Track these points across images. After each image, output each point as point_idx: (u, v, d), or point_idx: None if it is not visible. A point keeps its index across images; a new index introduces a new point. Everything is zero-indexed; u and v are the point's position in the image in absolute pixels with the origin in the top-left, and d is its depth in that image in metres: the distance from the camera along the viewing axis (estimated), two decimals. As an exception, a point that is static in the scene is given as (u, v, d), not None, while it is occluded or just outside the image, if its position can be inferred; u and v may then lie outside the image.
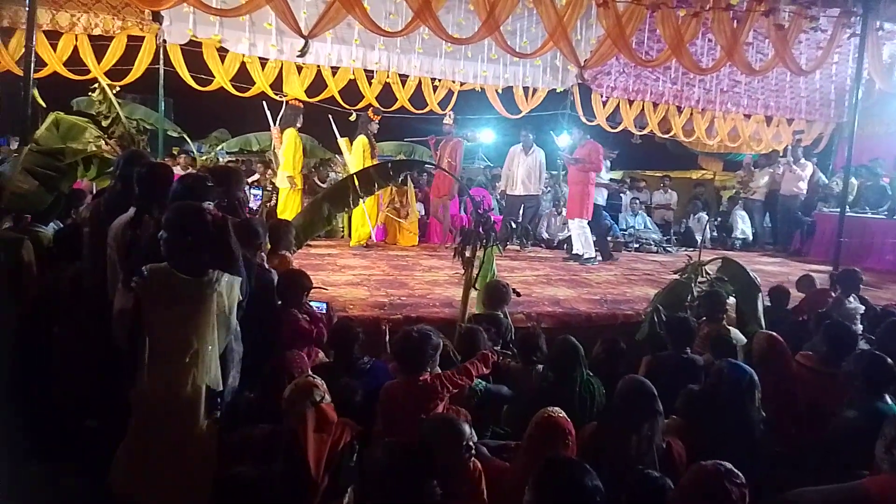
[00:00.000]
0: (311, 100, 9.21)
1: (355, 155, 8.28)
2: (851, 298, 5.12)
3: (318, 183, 10.14)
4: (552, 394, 3.27)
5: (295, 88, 9.05)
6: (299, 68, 9.12)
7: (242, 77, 8.95)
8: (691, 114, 10.92)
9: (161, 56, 8.37)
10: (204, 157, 11.34)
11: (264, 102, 8.63)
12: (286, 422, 2.72)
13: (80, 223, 4.20)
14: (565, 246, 9.25)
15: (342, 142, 8.73)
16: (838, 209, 8.31)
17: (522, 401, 3.46)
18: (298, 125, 8.13)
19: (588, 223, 8.22)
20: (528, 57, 8.33)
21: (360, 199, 5.17)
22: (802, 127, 11.27)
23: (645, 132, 11.06)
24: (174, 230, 2.71)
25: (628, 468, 2.47)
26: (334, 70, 9.26)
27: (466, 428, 2.49)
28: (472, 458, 2.55)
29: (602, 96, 10.45)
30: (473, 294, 4.62)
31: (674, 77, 10.32)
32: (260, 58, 8.73)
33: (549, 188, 11.55)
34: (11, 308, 3.45)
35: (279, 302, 3.65)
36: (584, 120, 10.44)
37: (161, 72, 8.52)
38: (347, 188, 4.97)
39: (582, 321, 5.28)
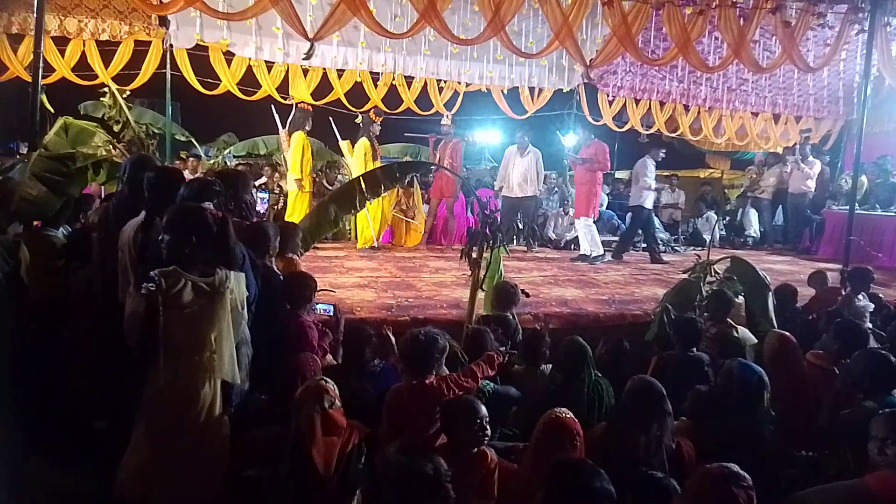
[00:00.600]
0: (317, 102, 9.23)
1: (357, 157, 8.31)
2: (861, 296, 5.08)
3: (326, 185, 10.17)
4: (560, 395, 3.26)
5: (301, 91, 9.08)
6: (305, 71, 9.16)
7: (249, 80, 8.99)
8: (698, 112, 10.87)
9: (168, 60, 8.42)
10: (211, 161, 11.40)
11: (272, 106, 8.67)
12: (294, 424, 2.73)
13: (89, 227, 4.23)
14: (573, 247, 9.24)
15: (344, 144, 8.75)
16: (847, 207, 8.26)
17: (530, 402, 3.45)
18: (307, 128, 8.16)
19: (635, 224, 8.16)
20: (533, 57, 8.32)
21: (367, 201, 5.18)
22: (810, 125, 11.20)
23: (652, 131, 11.02)
24: (176, 232, 2.73)
25: (637, 469, 2.46)
26: (340, 72, 9.28)
27: (483, 408, 2.60)
28: (488, 450, 2.60)
29: (608, 96, 10.43)
30: (481, 295, 4.62)
31: (680, 76, 10.28)
32: (266, 61, 8.76)
33: (555, 189, 11.54)
34: (11, 311, 3.47)
35: (288, 305, 3.65)
36: (590, 119, 10.43)
37: (168, 76, 8.58)
38: (354, 190, 4.99)
39: (590, 322, 5.27)
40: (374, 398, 3.10)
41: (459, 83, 9.86)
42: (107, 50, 8.23)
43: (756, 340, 4.30)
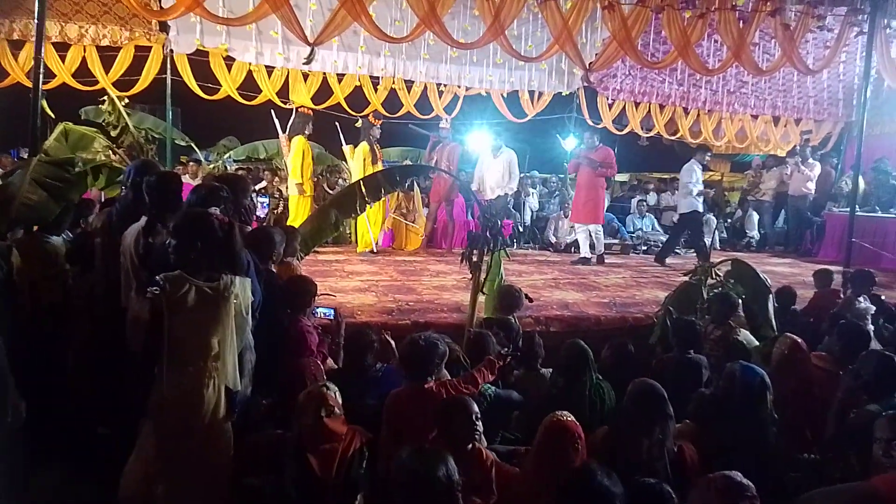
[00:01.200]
0: (317, 107, 9.24)
1: (357, 162, 8.32)
2: (862, 298, 5.07)
3: (328, 190, 10.18)
4: (562, 398, 3.26)
5: (301, 96, 9.09)
6: (305, 76, 9.17)
7: (249, 85, 9.00)
8: (698, 115, 10.88)
9: (168, 66, 8.44)
10: (212, 166, 11.41)
11: (272, 111, 8.67)
12: (295, 429, 2.73)
13: (91, 233, 4.22)
14: (573, 250, 9.24)
15: (347, 149, 8.76)
16: (848, 209, 8.25)
17: (532, 406, 3.44)
18: (307, 133, 8.15)
19: (694, 229, 8.21)
20: (533, 61, 8.33)
21: (368, 205, 5.18)
22: (811, 127, 11.21)
23: (652, 134, 11.03)
24: (183, 236, 2.73)
25: (640, 472, 2.44)
26: (340, 77, 9.30)
27: (475, 405, 2.67)
28: (483, 448, 2.62)
29: (608, 99, 10.44)
30: (481, 298, 4.61)
31: (680, 78, 10.29)
32: (266, 66, 8.78)
33: (556, 192, 11.55)
34: (6, 315, 3.47)
35: (287, 310, 3.65)
36: (590, 122, 10.43)
37: (168, 81, 8.59)
38: (355, 194, 4.99)
39: (591, 325, 5.26)
40: (375, 402, 3.09)
41: (459, 87, 9.86)
42: (107, 55, 8.25)
43: (757, 343, 4.29)
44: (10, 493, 2.83)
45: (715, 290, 4.89)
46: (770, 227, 10.97)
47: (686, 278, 5.27)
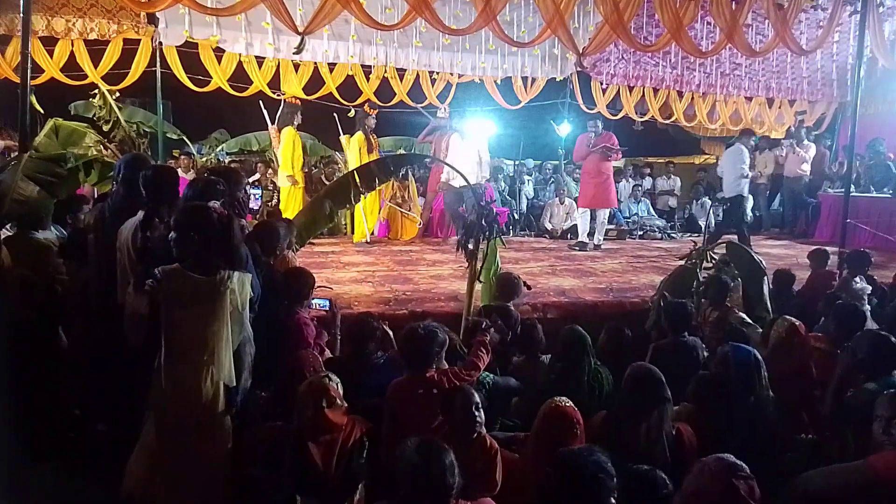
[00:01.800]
0: (309, 97, 9.18)
1: (352, 151, 8.27)
2: (858, 279, 5.08)
3: (325, 181, 10.13)
4: (560, 384, 3.26)
5: (293, 86, 9.03)
6: (297, 66, 9.09)
7: (240, 77, 8.93)
8: (692, 98, 10.85)
9: (158, 58, 8.36)
10: (204, 159, 11.34)
11: (260, 101, 8.62)
12: (295, 420, 2.73)
13: (84, 228, 4.20)
14: (569, 236, 9.24)
15: (344, 139, 8.72)
16: (843, 190, 8.25)
17: (530, 392, 3.45)
18: (297, 123, 8.10)
19: (734, 214, 8.09)
20: (526, 46, 8.27)
21: (362, 195, 5.16)
22: (805, 108, 11.20)
23: (646, 118, 11.00)
24: (181, 230, 2.72)
25: (639, 456, 2.45)
26: (332, 66, 9.22)
27: (476, 394, 2.67)
28: (488, 436, 2.63)
29: (602, 84, 10.39)
30: (478, 287, 4.61)
31: (674, 62, 10.25)
32: (257, 57, 8.70)
33: (551, 179, 11.52)
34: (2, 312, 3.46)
35: (285, 301, 3.64)
36: (584, 108, 10.40)
37: (158, 74, 8.51)
38: (349, 184, 4.96)
39: (588, 311, 5.27)
40: (376, 391, 3.09)
41: (452, 74, 9.81)
42: (96, 49, 8.16)
43: (751, 323, 4.30)
44: (9, 491, 2.82)
45: (710, 273, 4.91)
46: (765, 209, 10.97)
47: (682, 262, 5.27)
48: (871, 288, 5.10)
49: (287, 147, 7.92)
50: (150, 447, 2.75)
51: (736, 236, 7.70)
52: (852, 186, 7.76)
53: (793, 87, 10.82)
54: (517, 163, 12.52)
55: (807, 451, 3.03)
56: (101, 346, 3.30)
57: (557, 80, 10.25)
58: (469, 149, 8.15)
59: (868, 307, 4.72)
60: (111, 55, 8.18)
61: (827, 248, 6.08)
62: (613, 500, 1.99)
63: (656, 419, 2.67)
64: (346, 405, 2.77)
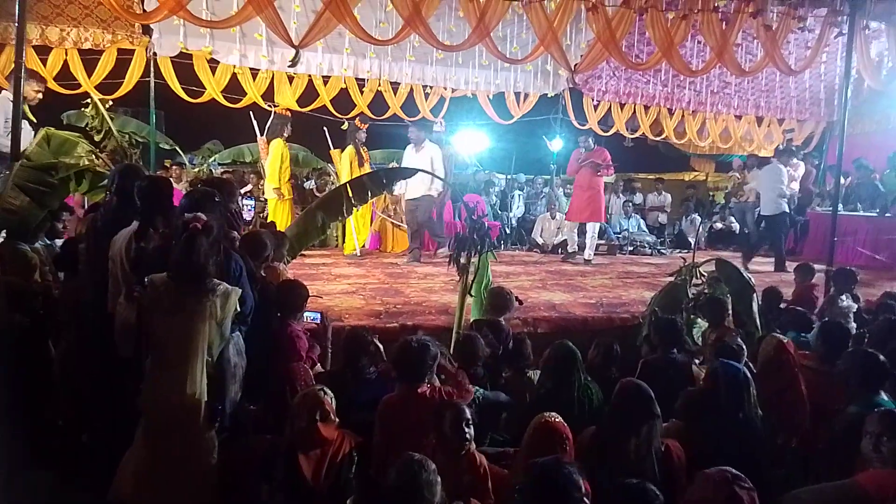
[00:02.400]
0: (303, 109, 9.21)
1: (343, 165, 8.29)
2: (843, 297, 5.14)
3: (317, 193, 10.14)
4: (550, 399, 3.27)
5: (286, 98, 9.05)
6: (290, 78, 9.12)
7: (233, 88, 8.93)
8: (682, 115, 10.96)
9: (152, 69, 8.36)
10: (196, 169, 11.33)
11: (251, 113, 8.63)
12: (287, 431, 2.72)
13: (76, 238, 4.19)
14: (560, 251, 9.28)
15: (334, 153, 8.74)
16: (831, 207, 8.33)
17: (520, 407, 3.45)
18: (286, 135, 8.11)
19: (777, 231, 8.20)
20: (519, 62, 8.35)
21: (354, 208, 5.17)
22: (793, 126, 11.34)
23: (637, 135, 11.09)
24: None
25: (628, 472, 2.46)
26: (326, 79, 9.25)
27: (466, 409, 2.65)
28: (475, 451, 2.64)
29: (593, 100, 10.48)
30: (469, 301, 4.61)
31: (664, 79, 10.36)
32: (251, 68, 8.72)
33: (542, 193, 11.59)
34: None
35: (277, 314, 3.64)
36: (575, 124, 10.48)
37: (152, 84, 8.51)
38: (341, 197, 4.98)
39: (578, 325, 5.28)
40: (367, 405, 3.08)
41: (445, 89, 9.87)
42: (89, 59, 8.15)
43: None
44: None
45: (700, 290, 4.94)
46: (754, 226, 11.04)
47: (671, 278, 5.31)
48: (856, 306, 5.15)
49: (275, 159, 7.92)
50: (138, 454, 2.76)
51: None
52: (840, 204, 7.85)
53: (782, 105, 10.96)
54: (509, 177, 12.59)
55: (795, 469, 3.04)
56: (92, 356, 3.28)
57: (549, 95, 10.33)
58: (420, 160, 7.95)
59: (854, 324, 4.78)
60: (105, 65, 8.16)
61: (814, 265, 6.14)
62: None
63: (645, 435, 2.68)
64: (337, 420, 2.77)
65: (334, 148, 8.86)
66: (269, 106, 8.87)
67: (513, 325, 4.72)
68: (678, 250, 10.23)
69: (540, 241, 10.03)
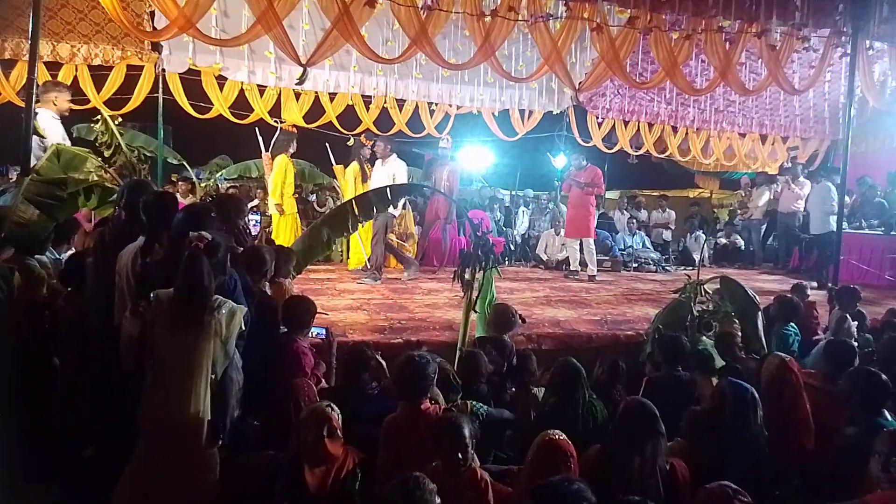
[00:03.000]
0: (309, 125, 9.29)
1: (347, 181, 8.33)
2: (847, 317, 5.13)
3: (317, 207, 10.20)
4: (554, 416, 3.26)
5: (293, 114, 9.14)
6: (297, 94, 9.22)
7: (241, 104, 9.04)
8: (687, 133, 11.01)
9: (160, 84, 8.46)
10: (203, 184, 11.41)
11: (256, 129, 8.71)
12: (292, 446, 2.72)
13: (83, 252, 4.22)
14: (564, 267, 9.29)
15: (338, 169, 8.79)
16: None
17: (524, 424, 3.45)
18: (291, 151, 8.13)
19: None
20: (523, 81, 8.41)
21: (360, 224, 5.20)
22: (798, 144, 11.36)
23: (641, 152, 11.14)
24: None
25: (632, 490, 2.45)
26: (332, 96, 9.35)
27: (466, 426, 2.62)
28: (477, 467, 2.62)
29: (597, 117, 10.55)
30: (473, 317, 4.62)
31: (668, 97, 10.43)
32: (258, 85, 8.82)
33: (547, 209, 11.62)
34: (9, 337, 3.46)
35: (284, 329, 3.65)
36: (580, 141, 10.54)
37: (160, 100, 8.61)
38: (347, 213, 5.01)
39: (583, 342, 5.28)
40: (370, 421, 3.09)
41: (450, 106, 9.95)
42: (99, 74, 8.26)
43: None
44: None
45: (704, 308, 4.93)
46: (759, 244, 11.05)
47: (676, 296, 5.30)
48: (855, 324, 5.14)
49: (279, 174, 7.93)
50: (138, 470, 2.75)
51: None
52: (844, 223, 7.87)
53: (786, 124, 11.00)
54: (514, 192, 12.64)
55: (800, 489, 3.02)
56: (97, 370, 3.30)
57: (554, 112, 10.41)
58: (384, 172, 7.86)
59: (856, 343, 4.75)
60: (114, 80, 8.27)
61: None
62: None
63: (650, 453, 2.67)
64: (342, 437, 2.77)
65: (337, 164, 8.92)
66: (276, 122, 8.95)
67: (517, 341, 4.73)
68: (683, 267, 10.23)
69: (544, 257, 10.04)
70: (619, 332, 5.56)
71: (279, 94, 9.10)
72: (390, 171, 7.79)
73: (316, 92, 9.18)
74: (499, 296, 5.19)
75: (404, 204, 8.97)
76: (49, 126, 5.42)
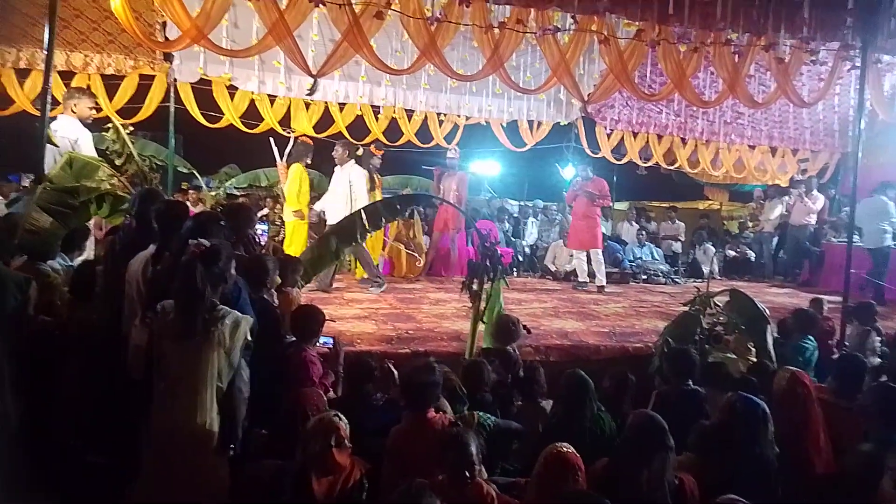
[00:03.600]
0: (319, 135, 9.34)
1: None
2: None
3: (324, 218, 10.20)
4: (562, 429, 3.25)
5: (303, 124, 9.19)
6: (307, 104, 9.29)
7: (251, 114, 9.11)
8: (696, 145, 10.99)
9: (172, 94, 8.54)
10: (213, 193, 11.48)
11: (271, 139, 8.76)
12: (299, 455, 2.72)
13: (93, 260, 4.25)
14: (572, 278, 9.27)
15: None
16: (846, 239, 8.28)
17: (531, 437, 3.43)
18: (307, 161, 8.19)
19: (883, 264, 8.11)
20: (532, 92, 8.42)
21: (368, 233, 5.21)
22: (807, 156, 11.32)
23: (650, 164, 11.12)
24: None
25: (641, 504, 2.44)
26: (342, 106, 9.42)
27: (472, 440, 2.63)
28: (482, 480, 2.61)
29: (606, 129, 10.55)
30: (481, 327, 4.61)
31: (677, 109, 10.42)
32: (269, 95, 8.89)
33: (556, 220, 11.61)
34: (22, 345, 3.47)
35: (293, 338, 3.66)
36: (588, 152, 10.54)
37: (172, 109, 8.69)
38: (355, 223, 5.03)
39: (591, 354, 5.26)
40: (375, 432, 3.08)
41: (459, 116, 9.99)
42: (111, 84, 8.35)
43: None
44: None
45: (714, 321, 4.91)
46: (770, 257, 10.99)
47: (685, 308, 5.28)
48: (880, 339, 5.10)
49: (294, 182, 7.98)
50: (147, 481, 2.75)
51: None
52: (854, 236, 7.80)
53: (795, 136, 10.95)
54: (522, 203, 12.65)
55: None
56: (105, 378, 3.31)
57: (563, 124, 10.42)
58: (338, 182, 7.85)
59: (878, 359, 4.71)
60: (126, 90, 8.36)
61: (830, 297, 6.09)
62: None
63: (658, 467, 2.66)
64: (350, 447, 2.76)
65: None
66: (287, 131, 9.01)
67: (524, 353, 4.71)
68: (692, 279, 10.18)
69: (552, 268, 10.02)
70: (628, 344, 5.54)
71: (289, 104, 9.17)
72: (346, 177, 7.90)
73: (325, 102, 9.24)
74: (507, 307, 5.18)
75: (412, 213, 8.99)
76: (74, 131, 5.47)
